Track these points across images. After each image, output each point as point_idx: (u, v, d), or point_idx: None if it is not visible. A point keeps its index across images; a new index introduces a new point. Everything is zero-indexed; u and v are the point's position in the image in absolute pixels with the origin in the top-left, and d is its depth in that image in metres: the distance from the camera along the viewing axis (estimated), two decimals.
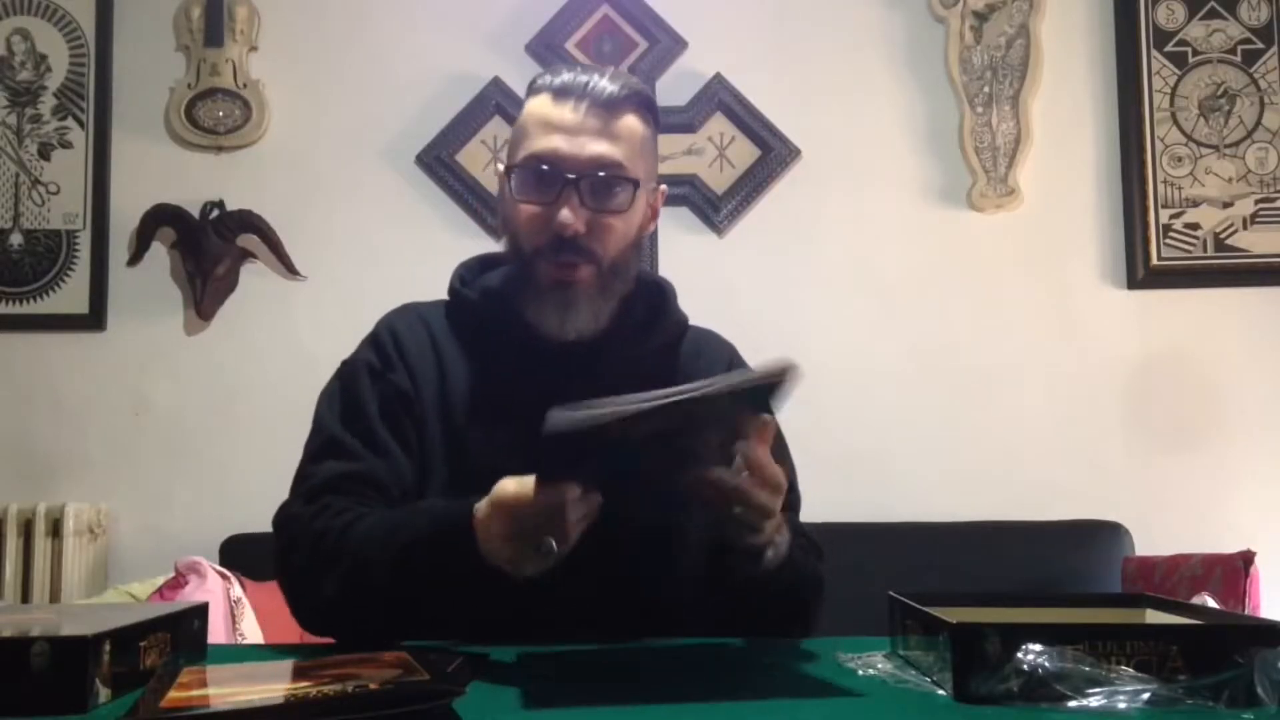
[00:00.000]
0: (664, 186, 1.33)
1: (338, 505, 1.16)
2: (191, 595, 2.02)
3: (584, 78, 1.22)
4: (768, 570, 1.09)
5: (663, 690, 0.90)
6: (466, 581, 1.03)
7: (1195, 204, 2.82)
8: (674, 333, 1.34)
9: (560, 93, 1.22)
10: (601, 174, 1.20)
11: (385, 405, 1.23)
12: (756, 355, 1.35)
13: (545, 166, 1.20)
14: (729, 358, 1.36)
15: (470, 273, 1.35)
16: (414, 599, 1.08)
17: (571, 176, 1.19)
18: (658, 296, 1.33)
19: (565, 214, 1.19)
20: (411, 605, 1.09)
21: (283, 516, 1.20)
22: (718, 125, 2.88)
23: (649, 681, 0.94)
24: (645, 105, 1.25)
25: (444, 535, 1.05)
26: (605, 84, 1.22)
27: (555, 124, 1.21)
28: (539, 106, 1.23)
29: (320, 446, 1.23)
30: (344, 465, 1.20)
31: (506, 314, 1.25)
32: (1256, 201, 2.81)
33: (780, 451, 1.29)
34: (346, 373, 1.28)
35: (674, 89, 2.87)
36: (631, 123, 1.23)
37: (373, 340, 1.30)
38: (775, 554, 1.10)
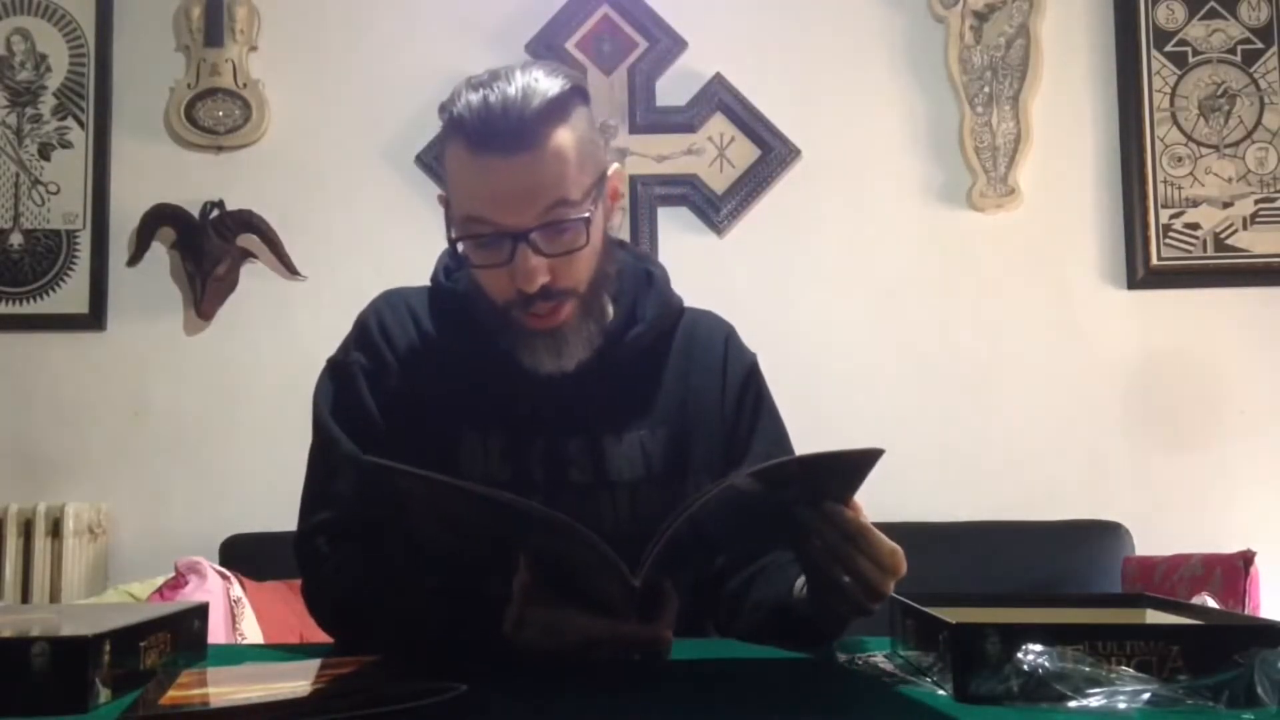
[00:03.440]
0: (616, 166, 1.20)
1: (363, 557, 1.13)
2: (191, 595, 2.02)
3: (494, 99, 1.06)
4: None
5: (660, 689, 0.90)
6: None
7: (1195, 204, 2.82)
8: (667, 323, 1.27)
9: (475, 139, 1.07)
10: (549, 222, 1.09)
11: (388, 416, 1.20)
12: (758, 354, 1.36)
13: (491, 231, 1.09)
14: (723, 347, 1.30)
15: (456, 260, 1.27)
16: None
17: (522, 233, 1.08)
18: (646, 286, 1.26)
19: (527, 273, 1.09)
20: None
21: (307, 549, 1.17)
22: (718, 125, 2.88)
23: (645, 680, 0.94)
24: (569, 101, 1.10)
25: (468, 631, 1.00)
26: (520, 106, 1.06)
27: (483, 181, 1.08)
28: (459, 157, 1.10)
29: (335, 465, 1.18)
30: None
31: (496, 354, 1.18)
32: (1256, 201, 2.81)
33: (783, 447, 1.28)
34: (342, 377, 1.23)
35: (674, 89, 2.86)
36: (561, 139, 1.08)
37: (362, 337, 1.24)
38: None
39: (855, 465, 0.93)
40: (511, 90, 1.07)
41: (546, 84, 1.09)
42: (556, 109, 1.09)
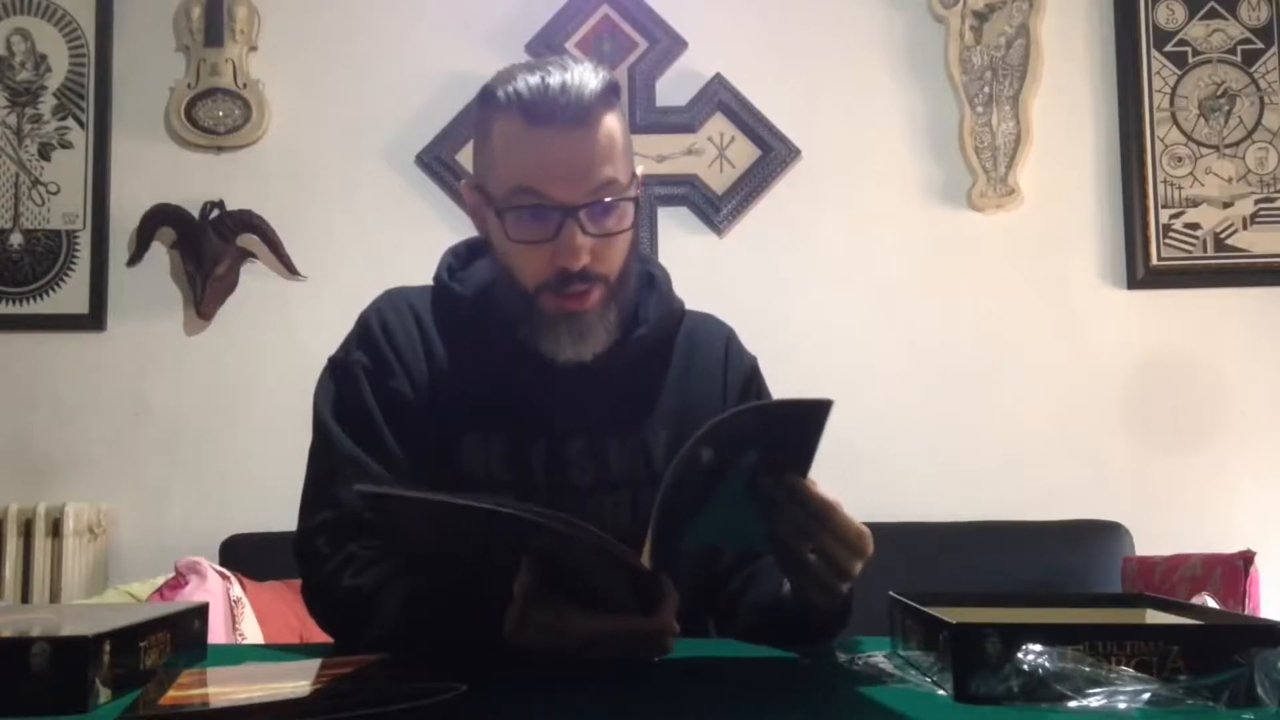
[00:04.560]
0: (640, 169, 1.23)
1: (363, 557, 1.13)
2: (191, 595, 2.02)
3: (553, 81, 1.11)
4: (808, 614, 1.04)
5: (660, 689, 0.90)
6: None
7: (1195, 204, 2.82)
8: (669, 325, 1.28)
9: (533, 113, 1.11)
10: (603, 199, 1.12)
11: (390, 416, 1.19)
12: (758, 354, 1.36)
13: (540, 203, 1.11)
14: (723, 351, 1.31)
15: (459, 260, 1.28)
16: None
17: (571, 208, 1.10)
18: (648, 288, 1.27)
19: (573, 250, 1.11)
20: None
21: (308, 549, 1.16)
22: (718, 125, 2.88)
23: (645, 679, 0.94)
24: (613, 95, 1.15)
25: (472, 632, 0.99)
26: (577, 88, 1.10)
27: (539, 152, 1.11)
28: (512, 130, 1.12)
29: (336, 466, 1.18)
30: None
31: (513, 343, 1.18)
32: (1256, 201, 2.81)
33: None
34: (343, 376, 1.22)
35: (674, 89, 2.87)
36: (611, 125, 1.13)
37: (364, 336, 1.24)
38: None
39: (807, 416, 0.92)
40: (568, 75, 1.12)
41: (597, 76, 1.14)
42: (608, 98, 1.14)
